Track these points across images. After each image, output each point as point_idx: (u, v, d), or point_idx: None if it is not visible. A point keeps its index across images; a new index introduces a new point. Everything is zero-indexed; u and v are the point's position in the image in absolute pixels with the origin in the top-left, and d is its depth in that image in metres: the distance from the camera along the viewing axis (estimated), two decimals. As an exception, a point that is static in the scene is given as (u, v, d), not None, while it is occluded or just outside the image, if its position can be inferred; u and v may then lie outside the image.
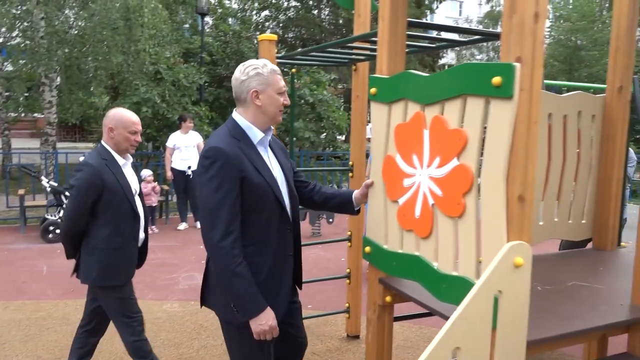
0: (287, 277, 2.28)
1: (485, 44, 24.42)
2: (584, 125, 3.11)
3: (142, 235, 3.15)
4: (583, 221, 3.22)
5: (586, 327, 2.07)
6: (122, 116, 2.99)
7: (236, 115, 2.22)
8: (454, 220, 2.02)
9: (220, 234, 2.03)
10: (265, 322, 2.09)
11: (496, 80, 1.76)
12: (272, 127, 2.29)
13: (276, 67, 2.21)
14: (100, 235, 2.92)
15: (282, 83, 2.21)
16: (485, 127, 1.88)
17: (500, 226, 1.82)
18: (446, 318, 1.79)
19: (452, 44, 3.65)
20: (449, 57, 29.51)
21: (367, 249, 2.55)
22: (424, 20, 20.42)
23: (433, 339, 1.72)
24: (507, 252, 1.76)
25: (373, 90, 2.48)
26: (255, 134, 2.19)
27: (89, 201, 2.87)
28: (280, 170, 2.28)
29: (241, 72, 2.17)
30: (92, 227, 2.93)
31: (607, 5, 24.60)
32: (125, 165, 3.05)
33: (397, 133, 2.32)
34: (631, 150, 4.22)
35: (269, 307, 2.11)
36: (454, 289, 2.01)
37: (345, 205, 2.52)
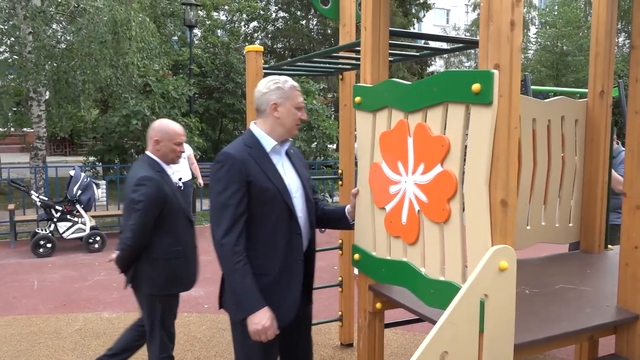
0: (296, 282, 2.31)
1: (472, 51, 24.62)
2: (567, 130, 3.15)
3: None
4: (570, 225, 3.25)
5: (572, 329, 2.09)
6: (168, 127, 3.02)
7: (253, 126, 2.34)
8: (440, 225, 2.04)
9: (223, 231, 2.13)
10: (259, 322, 2.12)
11: (475, 87, 1.79)
12: (290, 139, 2.39)
13: (296, 84, 2.33)
14: (162, 246, 2.95)
15: (301, 99, 2.35)
16: (467, 134, 1.91)
17: (484, 231, 1.84)
18: (435, 323, 1.80)
19: (433, 52, 3.69)
20: (437, 65, 29.69)
21: (356, 256, 2.57)
22: (411, 29, 20.56)
23: (425, 345, 1.74)
24: (492, 256, 1.79)
25: (357, 99, 2.51)
26: (269, 143, 2.29)
27: (155, 215, 2.90)
28: (297, 179, 2.36)
29: (263, 85, 2.31)
30: (154, 239, 2.94)
31: (591, 11, 24.93)
32: (172, 175, 3.12)
33: (382, 141, 2.35)
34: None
35: (266, 307, 2.14)
36: (441, 294, 2.03)
37: (341, 220, 2.60)
